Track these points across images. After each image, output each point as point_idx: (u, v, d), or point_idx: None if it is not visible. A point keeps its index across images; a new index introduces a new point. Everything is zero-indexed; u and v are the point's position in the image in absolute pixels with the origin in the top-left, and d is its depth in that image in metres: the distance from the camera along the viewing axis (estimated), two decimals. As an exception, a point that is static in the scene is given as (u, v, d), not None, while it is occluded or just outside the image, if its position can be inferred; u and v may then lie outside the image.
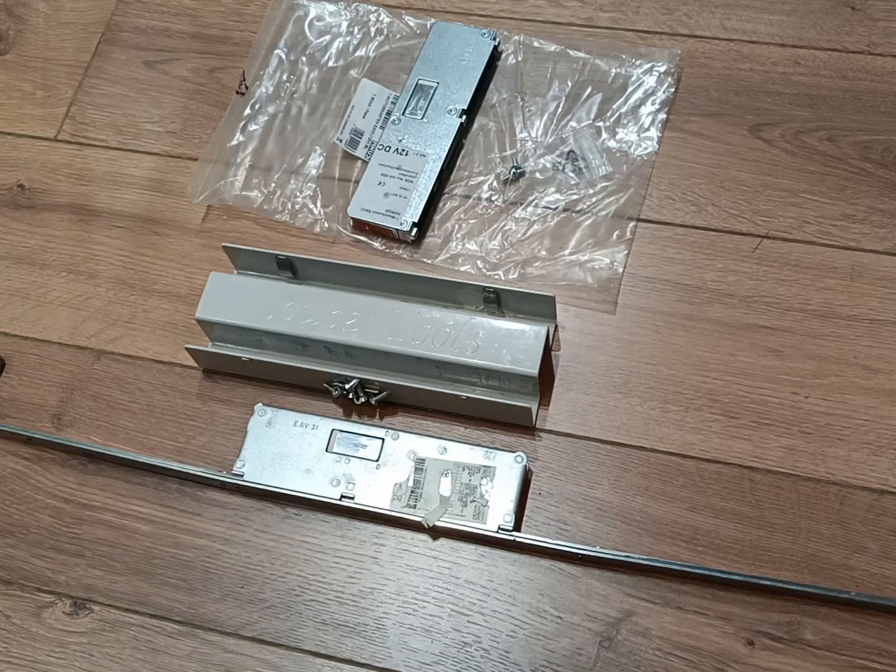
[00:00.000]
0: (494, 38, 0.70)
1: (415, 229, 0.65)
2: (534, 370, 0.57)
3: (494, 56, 0.71)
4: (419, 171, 0.66)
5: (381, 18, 0.74)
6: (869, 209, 0.63)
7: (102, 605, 0.58)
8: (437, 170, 0.66)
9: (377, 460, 0.58)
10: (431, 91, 0.69)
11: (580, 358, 0.61)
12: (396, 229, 0.65)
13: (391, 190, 0.66)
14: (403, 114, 0.68)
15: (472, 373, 0.59)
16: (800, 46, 0.68)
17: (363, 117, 0.69)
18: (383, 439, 0.59)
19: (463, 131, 0.68)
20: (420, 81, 0.69)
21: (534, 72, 0.70)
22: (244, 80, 0.73)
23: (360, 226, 0.67)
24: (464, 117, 0.68)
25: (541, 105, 0.69)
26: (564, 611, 0.55)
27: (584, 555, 0.55)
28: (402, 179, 0.66)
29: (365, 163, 0.68)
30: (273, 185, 0.69)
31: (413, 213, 0.65)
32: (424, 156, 0.67)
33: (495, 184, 0.67)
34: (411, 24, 0.73)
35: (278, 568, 0.58)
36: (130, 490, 0.61)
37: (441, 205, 0.67)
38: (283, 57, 0.74)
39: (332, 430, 0.60)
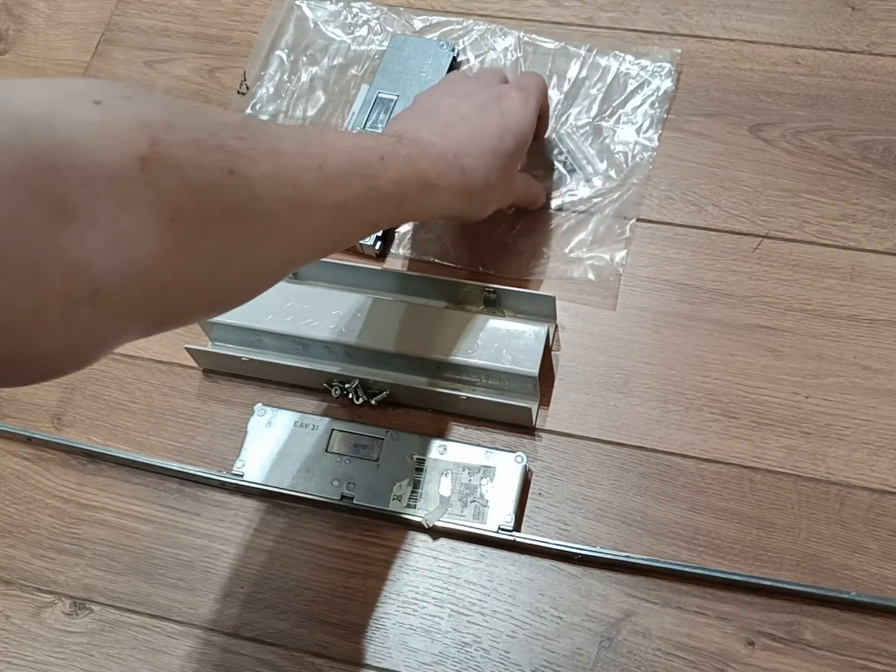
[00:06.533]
0: (453, 50, 0.70)
1: (378, 243, 0.65)
2: (534, 370, 0.57)
3: (454, 67, 0.71)
4: None
5: (381, 18, 0.74)
6: (869, 209, 0.63)
7: (102, 605, 0.58)
8: None
9: (377, 460, 0.58)
10: (392, 104, 0.68)
11: (580, 358, 0.61)
12: (360, 243, 0.65)
13: None
14: (363, 128, 0.68)
15: (472, 373, 0.59)
16: (800, 46, 0.68)
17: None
18: (383, 439, 0.59)
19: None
20: (380, 95, 0.69)
21: (533, 69, 0.70)
22: (245, 80, 0.73)
23: None
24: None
25: (541, 104, 0.69)
26: (564, 611, 0.55)
27: (585, 555, 0.55)
28: None
29: None
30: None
31: None
32: None
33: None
34: (413, 23, 0.73)
35: (278, 568, 0.58)
36: (130, 490, 0.61)
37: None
38: (284, 58, 0.74)
39: (332, 430, 0.60)
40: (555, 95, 0.69)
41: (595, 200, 0.65)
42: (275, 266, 0.44)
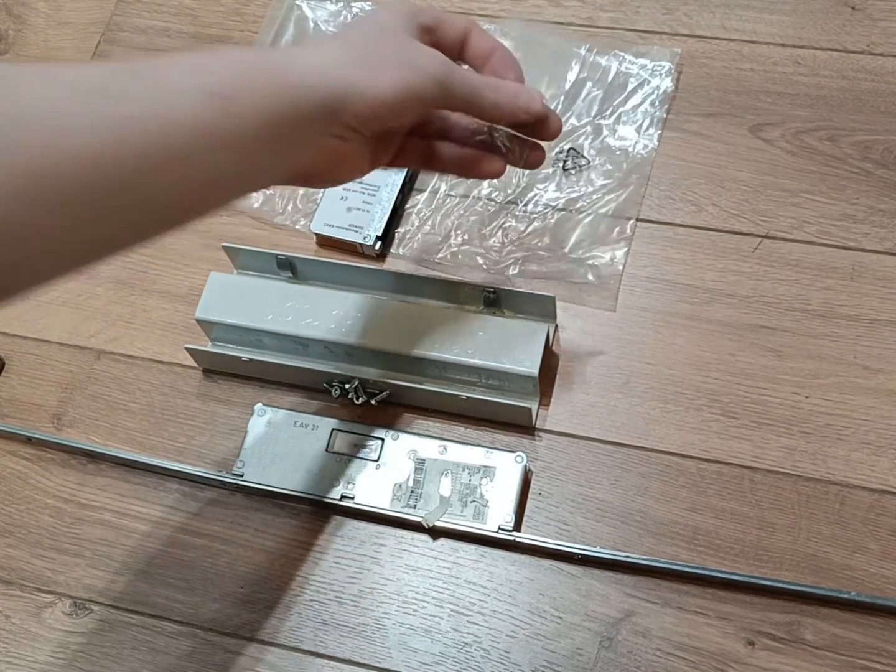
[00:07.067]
0: None
1: (378, 243, 0.65)
2: (534, 370, 0.57)
3: None
4: (381, 185, 0.66)
5: (381, 18, 0.74)
6: (869, 209, 0.63)
7: (102, 605, 0.58)
8: (400, 183, 0.66)
9: (377, 460, 0.58)
10: None
11: (580, 358, 0.61)
12: (360, 243, 0.65)
13: (354, 204, 0.65)
14: None
15: (472, 373, 0.59)
16: (800, 46, 0.68)
17: None
18: (383, 439, 0.59)
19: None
20: None
21: (533, 69, 0.70)
22: (244, 79, 0.73)
23: (324, 242, 0.66)
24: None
25: (540, 104, 0.69)
26: (564, 611, 0.55)
27: (585, 555, 0.55)
28: (364, 193, 0.66)
29: None
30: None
31: (377, 227, 0.65)
32: (385, 168, 0.66)
33: (496, 181, 0.67)
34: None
35: (278, 568, 0.58)
36: (130, 490, 0.61)
37: (440, 202, 0.67)
38: (283, 57, 0.74)
39: (332, 430, 0.59)
40: (555, 95, 0.69)
41: (595, 200, 0.65)
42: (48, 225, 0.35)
